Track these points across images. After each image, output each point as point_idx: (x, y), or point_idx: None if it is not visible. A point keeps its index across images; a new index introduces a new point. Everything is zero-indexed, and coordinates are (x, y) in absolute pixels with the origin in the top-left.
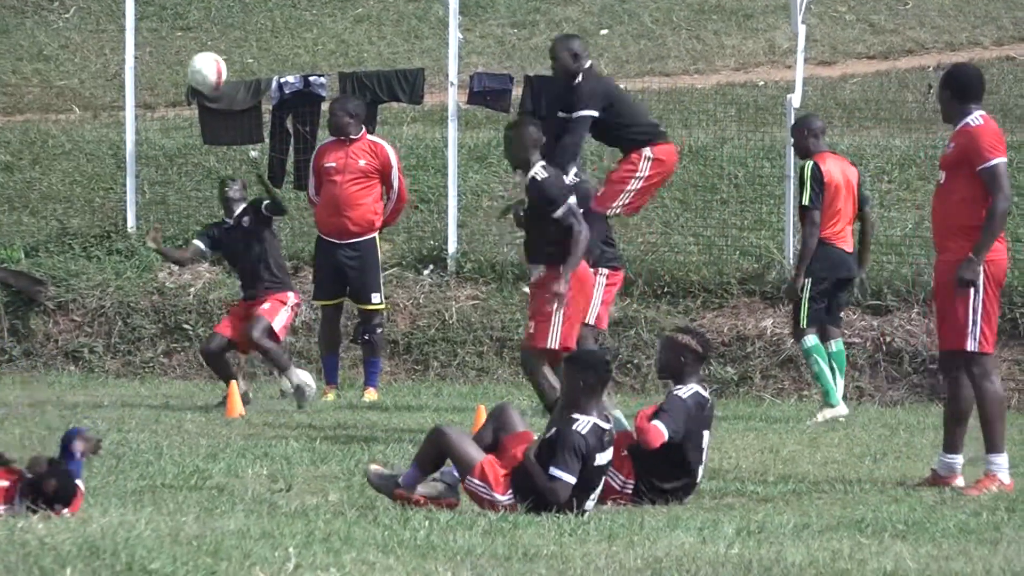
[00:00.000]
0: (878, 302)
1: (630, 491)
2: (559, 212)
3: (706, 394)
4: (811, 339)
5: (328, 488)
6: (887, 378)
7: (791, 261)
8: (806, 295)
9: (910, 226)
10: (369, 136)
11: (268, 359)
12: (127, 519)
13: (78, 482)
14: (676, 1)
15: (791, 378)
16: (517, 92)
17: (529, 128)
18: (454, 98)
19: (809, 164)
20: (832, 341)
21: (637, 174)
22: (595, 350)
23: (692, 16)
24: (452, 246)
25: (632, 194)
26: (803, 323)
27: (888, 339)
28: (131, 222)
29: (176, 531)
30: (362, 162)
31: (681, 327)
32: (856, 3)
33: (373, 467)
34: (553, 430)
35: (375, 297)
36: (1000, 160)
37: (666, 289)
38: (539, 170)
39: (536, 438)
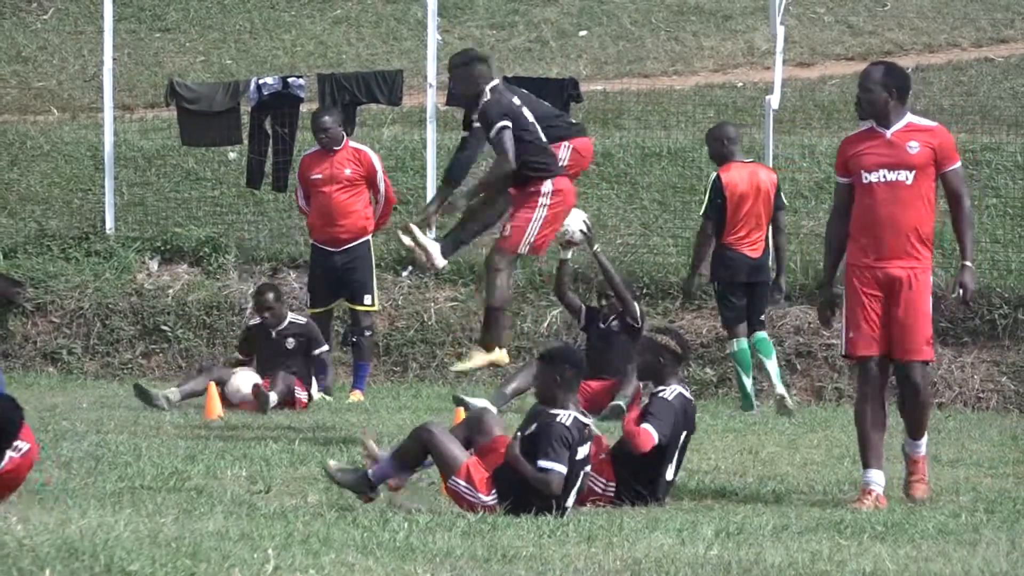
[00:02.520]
0: None
1: (612, 493)
2: (490, 133)
3: (689, 395)
4: (735, 344)
5: (307, 489)
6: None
7: (769, 263)
8: (717, 300)
9: None
10: (351, 144)
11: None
12: (106, 520)
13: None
14: (655, 3)
15: (770, 380)
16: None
17: (476, 66)
18: (433, 99)
19: (712, 176)
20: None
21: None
22: (566, 346)
23: (671, 17)
24: None
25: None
26: (722, 325)
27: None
28: (109, 223)
29: (155, 533)
30: (348, 171)
31: (660, 327)
32: (835, 5)
33: (332, 463)
34: (533, 426)
35: (367, 299)
36: (960, 162)
37: (645, 290)
38: (486, 93)
39: (515, 436)
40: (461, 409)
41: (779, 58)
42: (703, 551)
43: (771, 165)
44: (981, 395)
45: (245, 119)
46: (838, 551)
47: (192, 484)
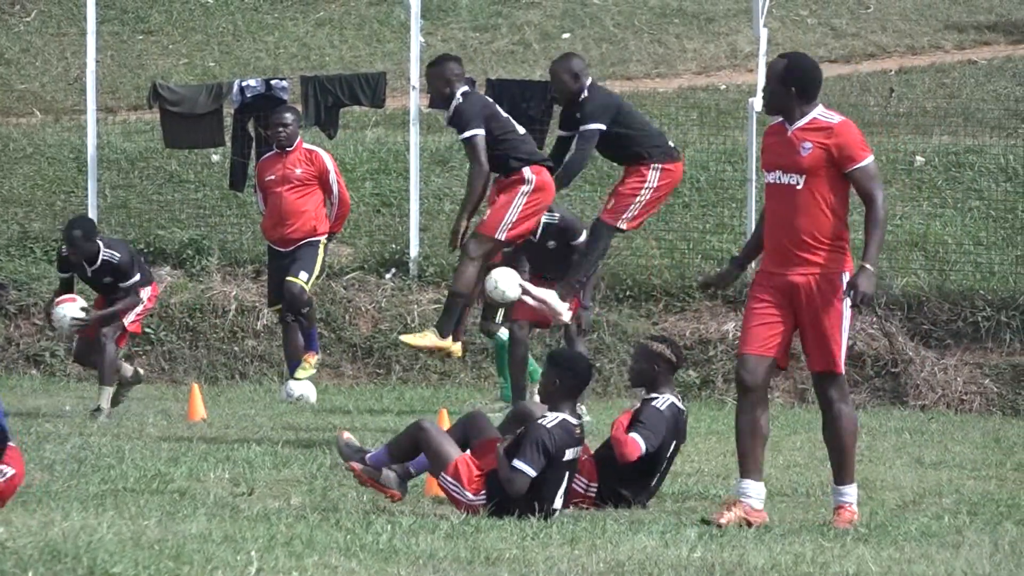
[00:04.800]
0: None
1: (593, 494)
2: (462, 136)
3: (681, 405)
4: (505, 334)
5: (290, 492)
6: (849, 381)
7: (752, 265)
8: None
9: None
10: (305, 145)
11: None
12: (89, 523)
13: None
14: (638, 5)
15: None
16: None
17: (448, 64)
18: (416, 102)
19: None
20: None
21: (646, 185)
22: (577, 354)
23: (654, 20)
24: (414, 250)
25: (640, 206)
26: (498, 318)
27: (850, 343)
28: None
29: (138, 535)
30: (298, 171)
31: (655, 336)
32: (818, 7)
33: (345, 435)
34: (523, 427)
35: (303, 275)
36: (872, 157)
37: (628, 293)
38: (458, 97)
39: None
40: (445, 411)
41: (762, 60)
42: (686, 553)
43: (754, 167)
44: (964, 397)
45: (228, 121)
46: (821, 553)
47: (175, 486)
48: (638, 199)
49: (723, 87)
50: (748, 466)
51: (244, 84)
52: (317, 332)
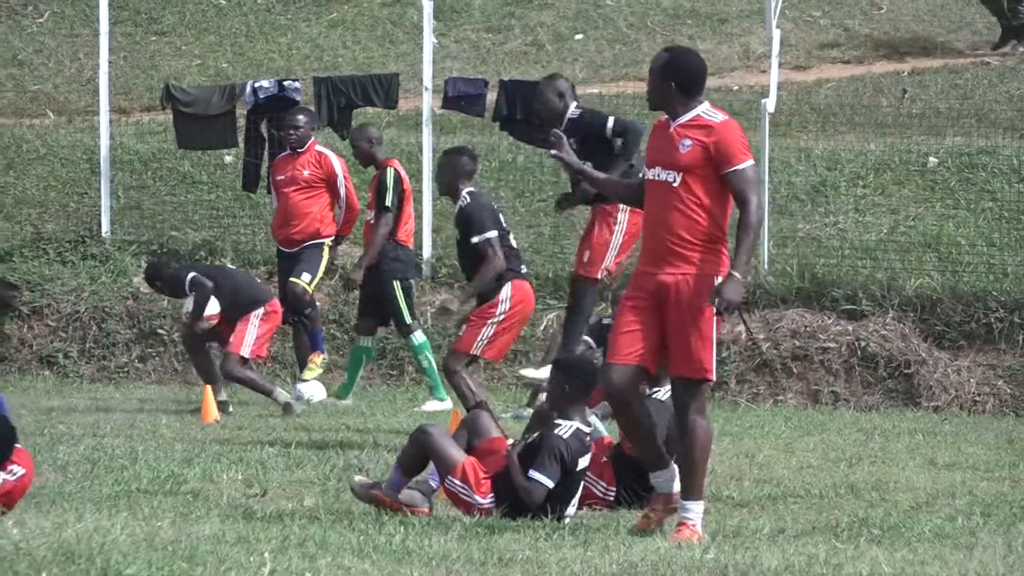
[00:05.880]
0: (853, 307)
1: (611, 498)
2: (475, 239)
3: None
4: (420, 335)
5: (303, 493)
6: (862, 383)
7: (766, 267)
8: (400, 295)
9: (885, 230)
10: (317, 147)
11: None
12: (102, 524)
13: (7, 416)
14: (651, 6)
15: (766, 383)
16: (492, 97)
17: (462, 158)
18: (429, 103)
19: (391, 171)
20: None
21: (617, 229)
22: (584, 359)
23: (667, 21)
24: (427, 251)
25: (616, 250)
26: (407, 319)
27: (863, 344)
28: (105, 227)
29: (151, 536)
30: (306, 172)
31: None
32: (830, 7)
33: (357, 478)
34: (536, 434)
35: (305, 276)
36: (752, 161)
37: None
38: (465, 197)
39: (519, 439)
40: (458, 412)
41: (775, 61)
42: (699, 555)
43: (767, 168)
44: (977, 398)
45: (241, 122)
46: (835, 554)
47: (188, 488)
48: (611, 245)
49: (736, 88)
50: (657, 464)
51: (257, 85)
52: (322, 333)
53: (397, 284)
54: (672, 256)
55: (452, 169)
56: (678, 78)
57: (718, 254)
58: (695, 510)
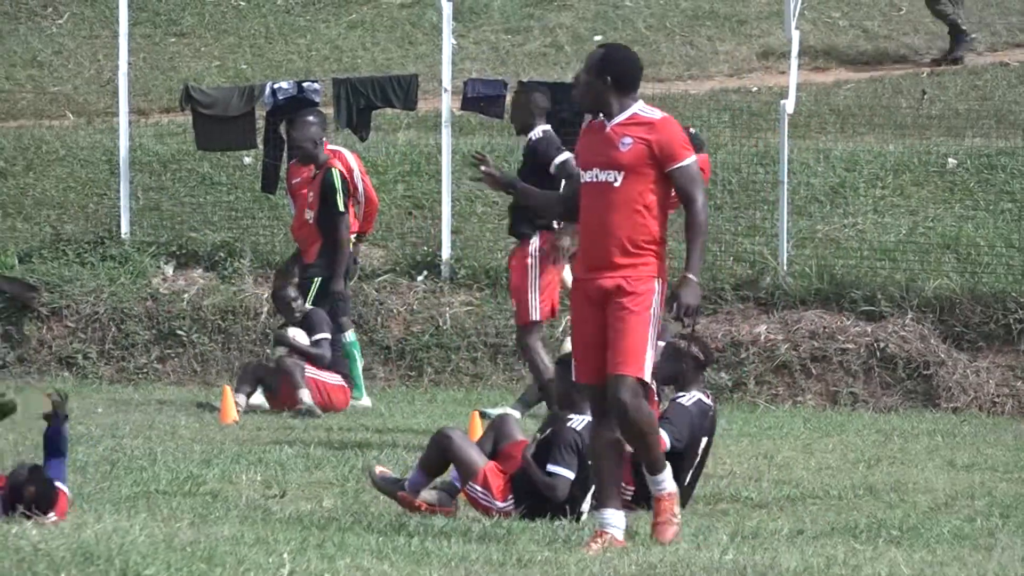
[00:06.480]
0: (872, 308)
1: (629, 497)
2: (555, 163)
3: (709, 401)
4: (351, 335)
5: (322, 494)
6: (881, 384)
7: (784, 268)
8: (314, 291)
9: (904, 231)
10: (330, 146)
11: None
12: (121, 525)
13: (59, 485)
14: (670, 7)
15: (785, 384)
16: (510, 98)
17: (535, 95)
18: (448, 104)
19: (335, 171)
20: (349, 332)
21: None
22: None
23: (686, 22)
24: (446, 252)
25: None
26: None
27: (882, 345)
28: (125, 228)
29: (170, 537)
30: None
31: (684, 334)
32: (850, 9)
33: (378, 468)
34: (548, 430)
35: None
36: (695, 158)
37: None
38: (537, 132)
39: (531, 439)
40: (477, 413)
41: (794, 62)
42: (718, 556)
43: (786, 169)
44: (996, 400)
45: (260, 124)
46: (853, 556)
47: (207, 488)
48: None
49: (755, 89)
50: (606, 495)
51: (276, 86)
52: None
53: (317, 282)
54: (612, 259)
55: (527, 106)
56: (615, 73)
57: (659, 257)
58: (611, 518)
